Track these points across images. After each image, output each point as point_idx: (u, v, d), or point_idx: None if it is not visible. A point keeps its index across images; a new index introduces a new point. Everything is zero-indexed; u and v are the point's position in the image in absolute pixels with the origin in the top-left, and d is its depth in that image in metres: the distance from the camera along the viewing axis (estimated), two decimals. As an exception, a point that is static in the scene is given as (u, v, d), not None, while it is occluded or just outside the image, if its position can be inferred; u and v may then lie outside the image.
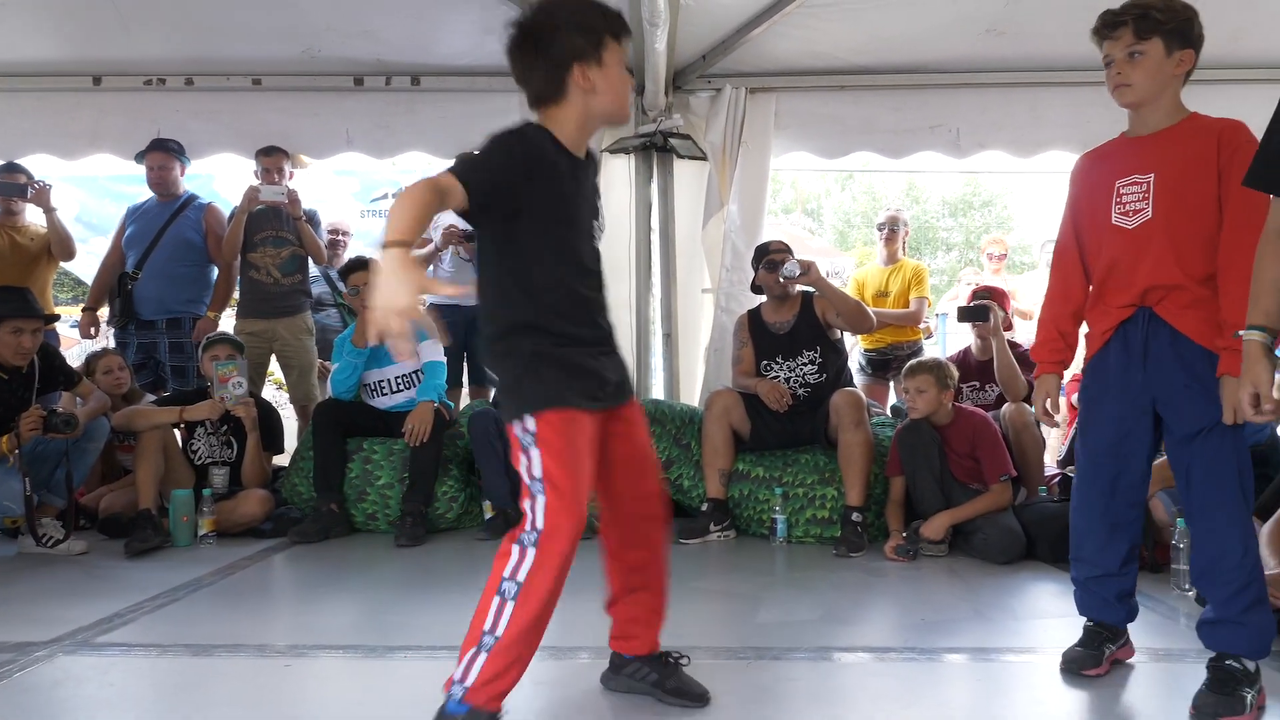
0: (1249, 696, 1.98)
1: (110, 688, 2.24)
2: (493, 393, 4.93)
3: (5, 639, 2.56)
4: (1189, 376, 2.07)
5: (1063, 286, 2.32)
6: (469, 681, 1.74)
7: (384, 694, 2.20)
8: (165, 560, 3.64)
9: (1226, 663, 2.03)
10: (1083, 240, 2.28)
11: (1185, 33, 2.11)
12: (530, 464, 1.80)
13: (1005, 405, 4.08)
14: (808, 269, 3.91)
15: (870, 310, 4.19)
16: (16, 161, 4.90)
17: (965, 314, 4.30)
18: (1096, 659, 2.26)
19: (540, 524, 1.78)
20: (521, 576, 1.77)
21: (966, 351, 4.47)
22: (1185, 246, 2.07)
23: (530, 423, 1.81)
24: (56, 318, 4.48)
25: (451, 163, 1.74)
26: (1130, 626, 2.36)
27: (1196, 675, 2.08)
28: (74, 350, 6.44)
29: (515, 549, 1.79)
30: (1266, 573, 2.42)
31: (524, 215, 1.82)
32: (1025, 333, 5.99)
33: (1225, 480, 2.05)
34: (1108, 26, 2.15)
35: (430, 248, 5.02)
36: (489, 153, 1.79)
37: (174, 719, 2.03)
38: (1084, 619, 2.34)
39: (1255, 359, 1.80)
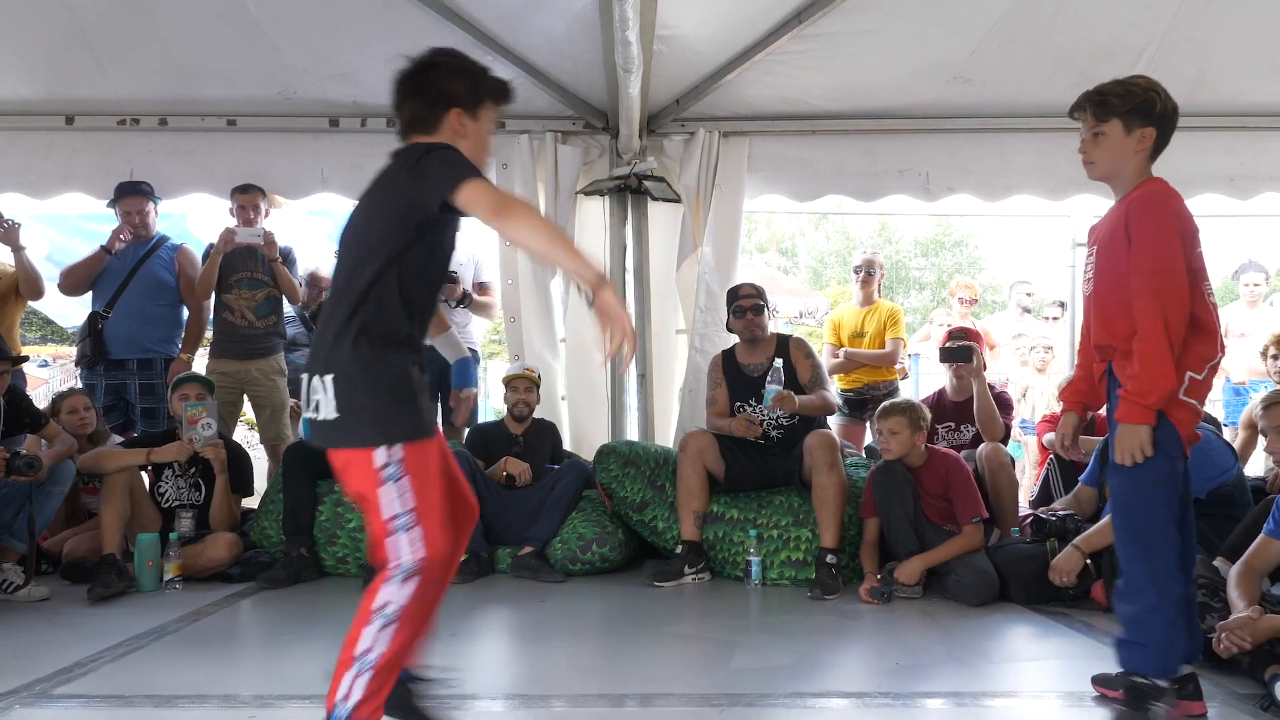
0: (1159, 710, 2.14)
1: (67, 742, 2.18)
2: (465, 432, 4.91)
3: (-41, 691, 2.49)
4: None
5: (1085, 337, 2.51)
6: (354, 700, 1.83)
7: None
8: (129, 606, 3.56)
9: (1134, 679, 2.19)
10: None
11: (1145, 111, 2.26)
12: (402, 495, 1.85)
13: (981, 445, 4.11)
14: (791, 405, 3.91)
15: (834, 398, 4.26)
16: (-13, 200, 4.86)
17: (948, 354, 4.33)
18: None
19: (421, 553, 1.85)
20: (394, 609, 1.84)
21: (941, 392, 4.51)
22: (1109, 313, 2.29)
23: (399, 451, 1.85)
24: (25, 359, 4.41)
25: (451, 170, 1.86)
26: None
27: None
28: (40, 390, 6.34)
29: (386, 586, 1.85)
30: (1236, 615, 2.47)
31: (441, 228, 1.96)
32: (998, 373, 6.08)
33: (1131, 516, 2.23)
34: (1074, 110, 2.34)
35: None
36: (460, 157, 1.92)
37: (133, 775, 1.98)
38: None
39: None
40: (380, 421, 1.87)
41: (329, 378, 1.87)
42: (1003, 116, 4.97)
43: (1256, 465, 4.34)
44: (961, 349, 4.28)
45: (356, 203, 2.09)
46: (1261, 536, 2.73)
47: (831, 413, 4.28)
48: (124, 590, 3.71)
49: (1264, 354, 4.24)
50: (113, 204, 4.84)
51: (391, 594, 1.84)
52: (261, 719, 2.32)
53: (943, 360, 4.38)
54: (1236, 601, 2.59)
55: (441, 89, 2.04)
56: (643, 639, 3.12)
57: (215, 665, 2.81)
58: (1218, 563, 2.96)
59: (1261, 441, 4.35)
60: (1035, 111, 4.87)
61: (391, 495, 1.84)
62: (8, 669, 2.67)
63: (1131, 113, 2.26)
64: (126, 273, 4.82)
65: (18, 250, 4.74)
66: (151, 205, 4.88)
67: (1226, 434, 4.45)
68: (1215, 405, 5.54)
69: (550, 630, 3.24)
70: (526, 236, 1.86)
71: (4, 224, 4.70)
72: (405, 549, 1.84)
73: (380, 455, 1.84)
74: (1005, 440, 4.24)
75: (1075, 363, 2.64)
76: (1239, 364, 5.52)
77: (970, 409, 4.27)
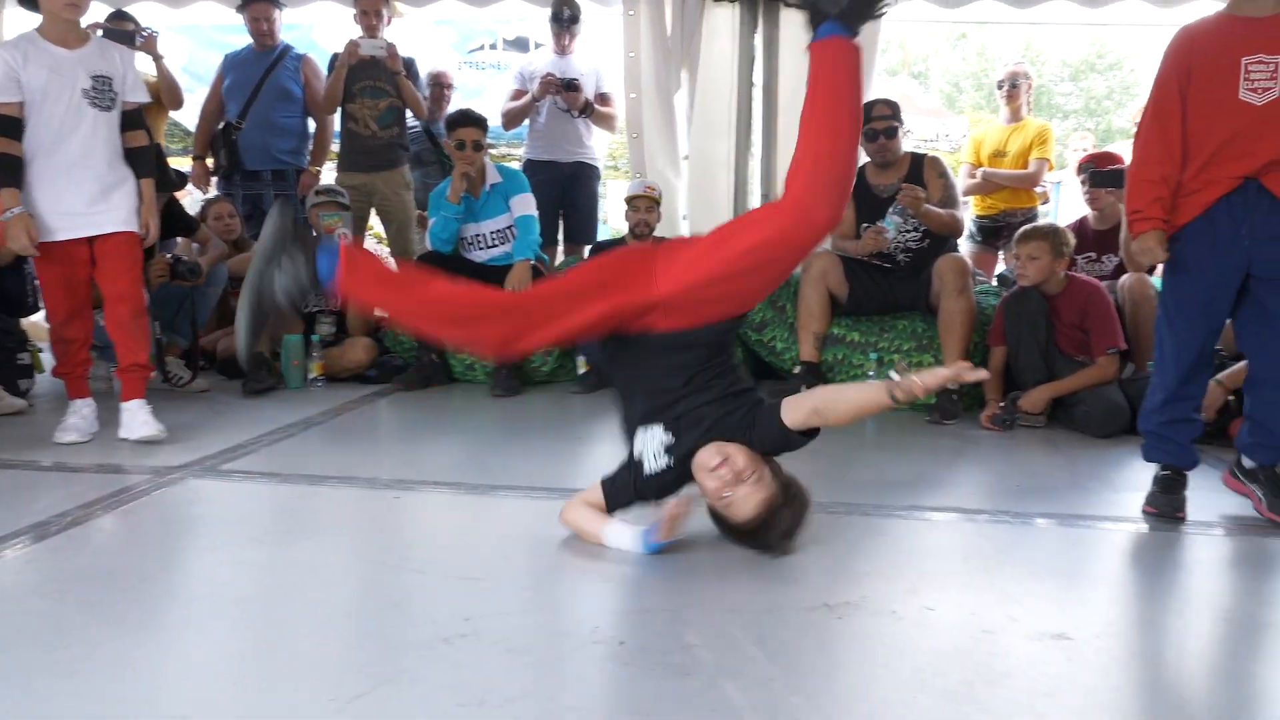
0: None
1: (237, 509, 2.43)
2: (586, 250, 4.94)
3: (142, 463, 2.78)
4: None
5: (1168, 150, 2.39)
6: None
7: (488, 525, 2.32)
8: (279, 400, 3.85)
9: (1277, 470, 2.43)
10: (1191, 110, 2.37)
11: None
12: None
13: (1124, 276, 3.88)
14: (918, 204, 3.72)
15: (961, 218, 4.07)
16: (125, 9, 4.95)
17: (1100, 179, 4.00)
18: (1180, 503, 2.47)
19: None
20: None
21: (1083, 221, 4.23)
22: None
23: None
24: (184, 181, 4.54)
25: None
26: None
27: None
28: (186, 201, 6.66)
29: None
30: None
31: None
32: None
33: None
34: None
35: (527, 98, 4.94)
36: None
37: (296, 539, 2.18)
38: (1156, 468, 2.55)
39: None
40: None
41: None
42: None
43: None
44: (1113, 173, 3.97)
45: None
46: None
47: (959, 232, 4.10)
48: (274, 386, 4.00)
49: None
50: (240, 9, 4.87)
51: None
52: (405, 500, 2.51)
53: (1094, 185, 4.07)
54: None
55: None
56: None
57: (359, 453, 3.03)
58: None
59: None
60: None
61: None
62: (179, 448, 2.96)
63: None
64: (255, 82, 4.90)
65: (158, 59, 4.84)
66: (276, 12, 4.89)
67: None
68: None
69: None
70: None
71: (142, 33, 4.80)
72: None
73: None
74: (1152, 271, 3.98)
75: (1150, 176, 2.42)
76: None
77: (1114, 238, 4.00)
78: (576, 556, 2.08)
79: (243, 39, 5.03)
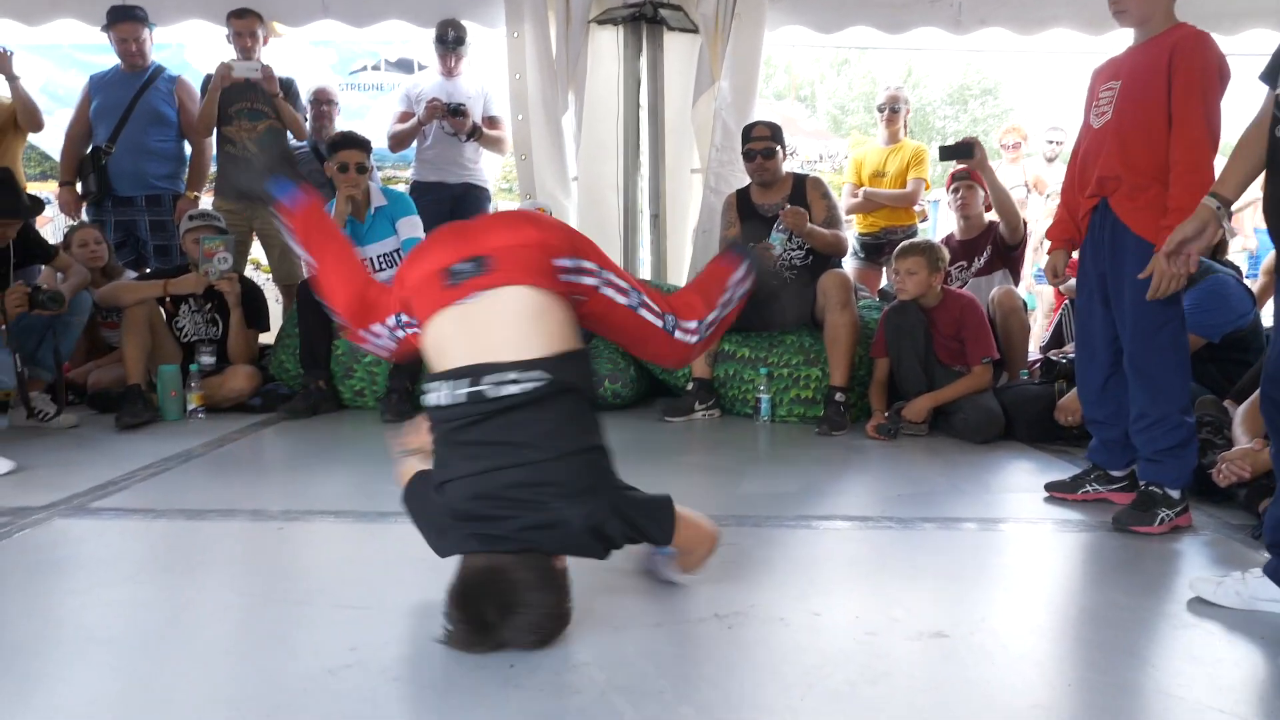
0: (1162, 515, 2.40)
1: (107, 548, 2.29)
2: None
3: (2, 504, 2.60)
4: (1127, 258, 2.40)
5: (1070, 175, 2.65)
6: None
7: (376, 553, 2.26)
8: (156, 433, 3.67)
9: (1149, 487, 2.45)
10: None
11: None
12: None
13: (994, 289, 4.08)
14: (801, 223, 3.83)
15: (846, 239, 4.19)
16: (-24, 27, 4.69)
17: (948, 152, 4.08)
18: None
19: None
20: None
21: (950, 236, 4.44)
22: (1130, 144, 2.38)
23: None
24: (40, 207, 4.24)
25: None
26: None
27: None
28: (47, 228, 6.33)
29: None
30: (1238, 447, 2.53)
31: None
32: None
33: (1165, 349, 2.39)
34: None
35: (413, 121, 4.89)
36: None
37: (171, 576, 2.08)
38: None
39: (1198, 216, 2.08)
40: None
41: None
42: (1043, -59, 4.68)
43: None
44: (962, 145, 4.03)
45: None
46: None
47: (843, 252, 4.22)
48: (150, 419, 3.82)
49: None
50: (106, 29, 4.66)
51: None
52: (289, 530, 2.42)
53: (943, 159, 4.15)
54: (1240, 437, 2.64)
55: None
56: (653, 467, 3.20)
57: (242, 485, 2.92)
58: (1226, 404, 2.99)
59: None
60: (1078, -65, 4.57)
61: None
62: (46, 486, 2.79)
63: None
64: (127, 105, 4.70)
65: (13, 80, 4.61)
66: (147, 31, 4.71)
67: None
68: (1239, 255, 5.47)
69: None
70: None
71: (-5, 52, 4.55)
72: None
73: None
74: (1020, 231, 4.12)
75: (1061, 201, 2.74)
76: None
77: (977, 244, 4.20)
78: (468, 581, 2.05)
79: (107, 59, 4.82)
